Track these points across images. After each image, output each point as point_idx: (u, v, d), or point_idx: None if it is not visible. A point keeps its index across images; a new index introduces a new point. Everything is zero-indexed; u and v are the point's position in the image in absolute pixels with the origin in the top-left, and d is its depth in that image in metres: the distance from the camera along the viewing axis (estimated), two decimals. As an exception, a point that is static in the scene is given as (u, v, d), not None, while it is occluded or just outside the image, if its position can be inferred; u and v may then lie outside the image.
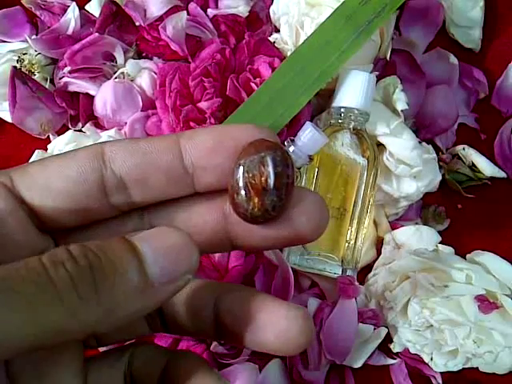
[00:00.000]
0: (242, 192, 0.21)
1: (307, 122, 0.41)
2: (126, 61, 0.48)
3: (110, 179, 0.22)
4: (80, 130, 0.48)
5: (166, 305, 0.24)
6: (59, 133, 0.49)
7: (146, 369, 0.24)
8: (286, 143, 0.42)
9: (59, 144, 0.47)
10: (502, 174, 0.49)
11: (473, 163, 0.49)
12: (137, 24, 0.48)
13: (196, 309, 0.24)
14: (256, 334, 0.22)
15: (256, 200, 0.21)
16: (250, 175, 0.21)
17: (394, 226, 0.48)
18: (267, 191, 0.21)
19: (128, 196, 0.22)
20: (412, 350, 0.45)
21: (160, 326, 0.25)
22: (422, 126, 0.50)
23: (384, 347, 0.46)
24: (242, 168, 0.21)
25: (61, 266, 0.17)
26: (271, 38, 0.48)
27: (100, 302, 0.17)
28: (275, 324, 0.22)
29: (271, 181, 0.21)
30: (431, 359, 0.44)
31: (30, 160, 0.47)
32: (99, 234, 0.23)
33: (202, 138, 0.22)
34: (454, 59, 0.51)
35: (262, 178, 0.21)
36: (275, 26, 0.49)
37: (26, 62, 0.48)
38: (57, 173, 0.21)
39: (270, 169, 0.21)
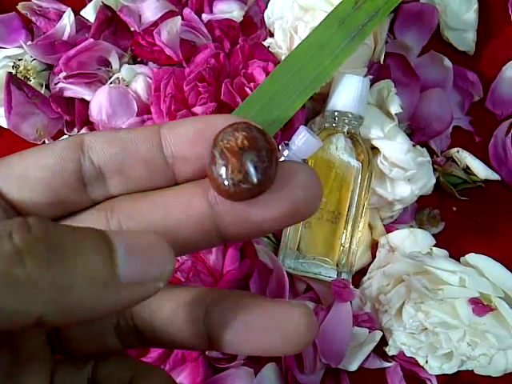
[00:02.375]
0: (219, 160, 0.19)
1: (301, 126, 0.42)
2: (121, 66, 0.48)
3: (88, 169, 0.21)
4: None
5: (142, 321, 0.23)
6: (55, 138, 0.49)
7: (110, 380, 0.23)
8: (280, 147, 0.43)
9: (55, 149, 0.47)
10: (496, 177, 0.49)
11: (467, 166, 0.49)
12: (132, 29, 0.48)
13: (184, 324, 0.22)
14: (259, 342, 0.21)
15: (234, 161, 0.19)
16: (225, 141, 0.19)
17: (388, 229, 0.49)
18: (244, 150, 0.19)
19: (106, 188, 0.22)
20: (407, 353, 0.45)
21: (135, 341, 0.24)
22: (416, 129, 0.50)
23: (379, 350, 0.46)
24: (215, 141, 0.20)
25: (7, 239, 0.15)
26: (265, 43, 0.48)
27: (53, 280, 0.16)
28: (281, 328, 0.21)
29: (246, 141, 0.19)
30: (426, 362, 0.44)
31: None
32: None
33: (183, 128, 0.21)
34: (448, 62, 0.51)
35: (238, 141, 0.19)
36: (269, 31, 0.49)
37: (21, 67, 0.48)
38: (34, 162, 0.21)
39: (244, 132, 0.19)
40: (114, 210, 0.21)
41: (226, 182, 0.19)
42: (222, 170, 0.19)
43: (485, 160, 0.50)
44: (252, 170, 0.19)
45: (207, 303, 0.22)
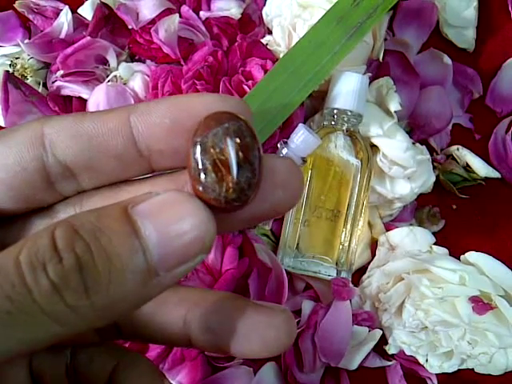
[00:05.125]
0: (211, 173, 0.17)
1: (300, 124, 0.42)
2: (118, 64, 0.48)
3: (53, 167, 0.19)
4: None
5: (122, 316, 0.23)
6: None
7: (91, 367, 0.22)
8: (278, 145, 0.42)
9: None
10: (496, 175, 0.48)
11: (467, 164, 0.49)
12: (129, 27, 0.48)
13: (163, 323, 0.22)
14: (239, 345, 0.22)
15: (230, 179, 0.17)
16: (217, 150, 0.17)
17: (388, 227, 0.48)
18: (241, 167, 0.17)
19: (76, 183, 0.20)
20: (407, 352, 0.44)
21: (113, 335, 0.23)
22: (416, 127, 0.50)
23: (379, 349, 0.46)
24: (203, 144, 0.18)
25: (41, 272, 0.15)
26: (264, 40, 0.48)
27: (94, 304, 0.16)
28: (262, 334, 0.21)
29: (242, 153, 0.17)
30: (426, 361, 0.44)
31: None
32: (41, 221, 0.21)
33: (157, 115, 0.19)
34: (447, 59, 0.51)
35: (233, 153, 0.17)
36: (268, 28, 0.49)
37: (18, 66, 0.48)
38: None
39: (239, 140, 0.17)
40: (82, 206, 0.20)
41: (217, 197, 0.18)
42: (214, 184, 0.17)
43: (485, 158, 0.50)
44: (246, 187, 0.18)
45: (189, 304, 0.22)
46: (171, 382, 0.40)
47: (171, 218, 0.16)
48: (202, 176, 0.18)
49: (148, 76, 0.47)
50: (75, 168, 0.19)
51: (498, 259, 0.43)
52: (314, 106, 0.49)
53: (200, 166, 0.18)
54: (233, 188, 0.17)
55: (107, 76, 0.47)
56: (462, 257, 0.44)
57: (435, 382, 0.46)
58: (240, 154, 0.17)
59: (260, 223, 0.21)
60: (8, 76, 0.46)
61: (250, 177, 0.18)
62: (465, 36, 0.53)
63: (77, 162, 0.19)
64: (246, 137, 0.18)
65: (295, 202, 0.20)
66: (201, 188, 0.18)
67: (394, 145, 0.44)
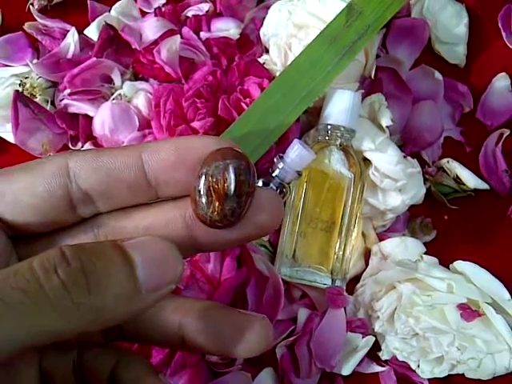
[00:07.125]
0: (204, 196, 0.22)
1: (295, 140, 0.43)
2: (123, 83, 0.50)
3: (76, 194, 0.23)
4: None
5: (127, 320, 0.27)
6: (59, 152, 0.51)
7: (95, 364, 0.26)
8: (275, 160, 0.44)
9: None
10: (484, 186, 0.50)
11: (457, 176, 0.51)
12: (133, 47, 0.50)
13: (161, 327, 0.26)
14: (225, 347, 0.26)
15: (216, 204, 0.22)
16: (214, 180, 0.22)
17: (382, 237, 0.50)
18: (228, 197, 0.22)
19: (94, 207, 0.24)
20: (399, 358, 0.46)
21: (116, 336, 0.27)
22: (408, 141, 0.52)
23: (373, 355, 0.48)
24: (206, 172, 0.22)
25: (53, 273, 0.18)
26: (261, 59, 0.50)
27: (92, 304, 0.19)
28: (245, 337, 0.25)
29: (233, 187, 0.22)
30: (418, 366, 0.46)
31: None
32: (62, 238, 0.25)
33: (165, 152, 0.24)
34: (438, 75, 0.53)
35: (225, 184, 0.22)
36: (265, 47, 0.51)
37: (27, 85, 0.50)
38: (24, 189, 0.23)
39: (233, 175, 0.22)
40: (100, 226, 0.24)
41: (204, 215, 0.23)
42: (204, 205, 0.23)
43: (475, 169, 0.52)
44: (229, 214, 0.23)
45: (183, 311, 0.26)
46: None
47: (153, 251, 0.21)
48: (197, 196, 0.23)
49: (151, 94, 0.49)
50: (94, 195, 0.24)
51: (488, 268, 0.45)
52: (309, 122, 0.50)
53: (198, 189, 0.23)
54: (217, 212, 0.23)
55: (112, 94, 0.50)
56: (450, 266, 0.46)
57: (427, 386, 0.47)
58: (231, 187, 0.22)
59: (249, 242, 0.28)
60: (18, 95, 0.48)
61: (234, 207, 0.23)
62: (456, 52, 0.55)
63: (96, 190, 0.23)
64: (242, 175, 0.22)
65: (277, 224, 0.25)
66: (195, 205, 0.23)
67: (385, 158, 0.46)
